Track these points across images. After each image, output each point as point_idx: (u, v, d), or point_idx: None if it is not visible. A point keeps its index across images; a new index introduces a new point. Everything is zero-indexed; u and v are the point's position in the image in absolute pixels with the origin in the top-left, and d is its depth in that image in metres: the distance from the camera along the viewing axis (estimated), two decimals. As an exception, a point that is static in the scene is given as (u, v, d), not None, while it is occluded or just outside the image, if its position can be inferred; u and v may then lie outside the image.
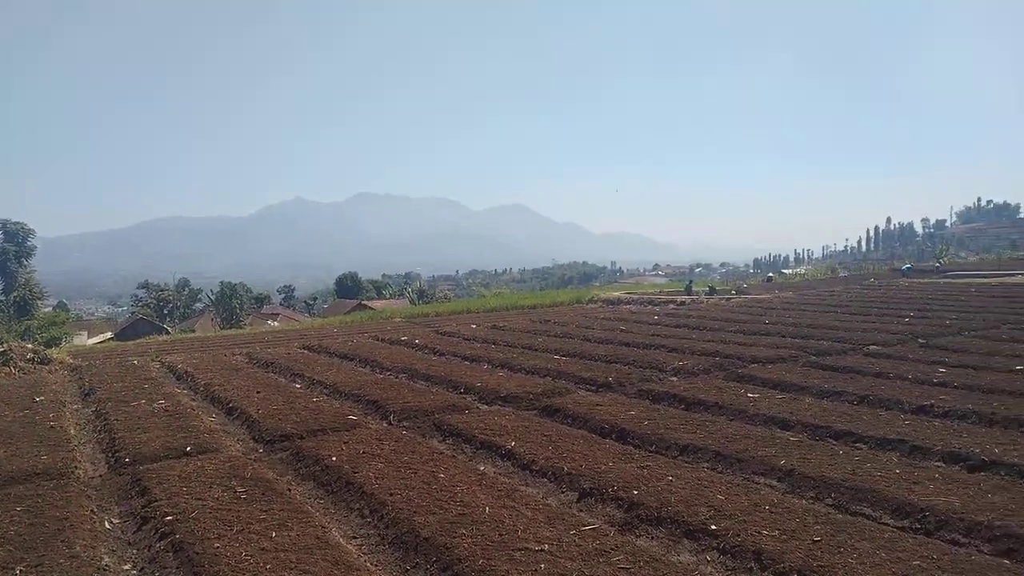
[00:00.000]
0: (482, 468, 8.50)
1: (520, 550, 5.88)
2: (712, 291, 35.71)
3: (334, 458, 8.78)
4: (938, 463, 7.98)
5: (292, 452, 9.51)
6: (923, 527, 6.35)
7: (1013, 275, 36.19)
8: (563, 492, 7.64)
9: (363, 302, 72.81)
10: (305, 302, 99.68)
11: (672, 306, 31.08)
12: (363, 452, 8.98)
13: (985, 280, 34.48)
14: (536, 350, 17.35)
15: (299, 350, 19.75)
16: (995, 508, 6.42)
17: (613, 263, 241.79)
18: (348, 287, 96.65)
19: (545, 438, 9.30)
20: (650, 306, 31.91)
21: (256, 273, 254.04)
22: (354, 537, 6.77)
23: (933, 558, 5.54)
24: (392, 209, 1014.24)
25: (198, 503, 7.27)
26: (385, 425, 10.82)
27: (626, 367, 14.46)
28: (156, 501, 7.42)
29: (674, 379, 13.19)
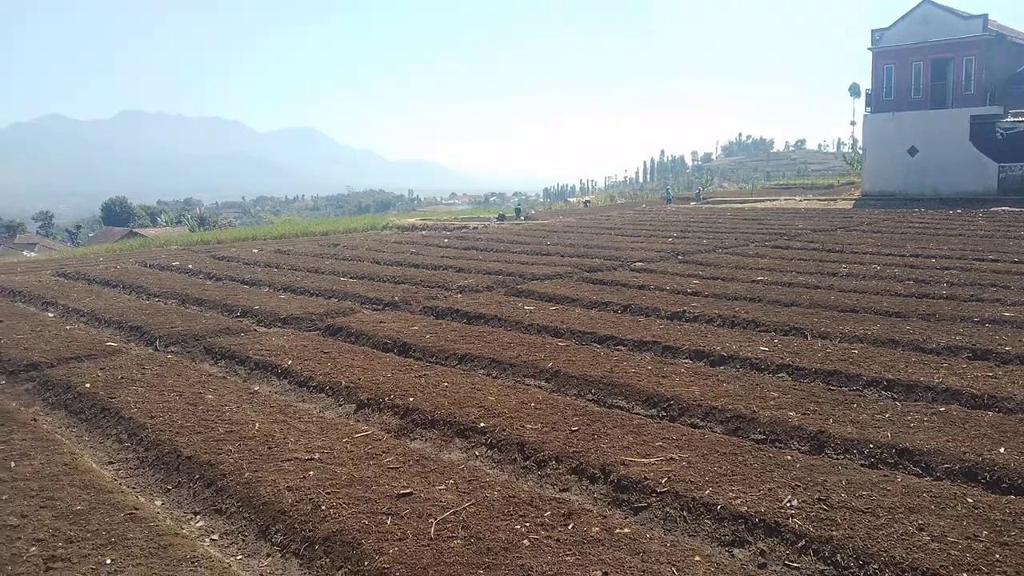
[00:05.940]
0: (256, 388, 8.24)
1: (289, 460, 5.82)
2: (502, 217, 36.72)
3: (88, 385, 8.10)
4: (686, 360, 8.87)
5: (40, 382, 8.64)
6: (668, 414, 7.07)
7: (762, 201, 40.57)
8: (340, 405, 7.62)
9: (135, 230, 66.77)
10: (68, 231, 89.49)
11: (465, 230, 31.59)
12: (122, 378, 8.36)
13: (740, 206, 38.35)
14: (322, 273, 16.94)
15: (52, 277, 17.78)
16: (728, 395, 7.28)
17: (411, 191, 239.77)
18: (117, 214, 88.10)
19: (325, 355, 9.18)
20: (444, 231, 32.20)
21: (5, 201, 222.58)
22: (110, 462, 6.34)
23: (673, 439, 6.19)
24: (165, 129, 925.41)
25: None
26: (149, 351, 10.11)
27: (413, 287, 14.55)
28: None
29: (459, 296, 13.48)
